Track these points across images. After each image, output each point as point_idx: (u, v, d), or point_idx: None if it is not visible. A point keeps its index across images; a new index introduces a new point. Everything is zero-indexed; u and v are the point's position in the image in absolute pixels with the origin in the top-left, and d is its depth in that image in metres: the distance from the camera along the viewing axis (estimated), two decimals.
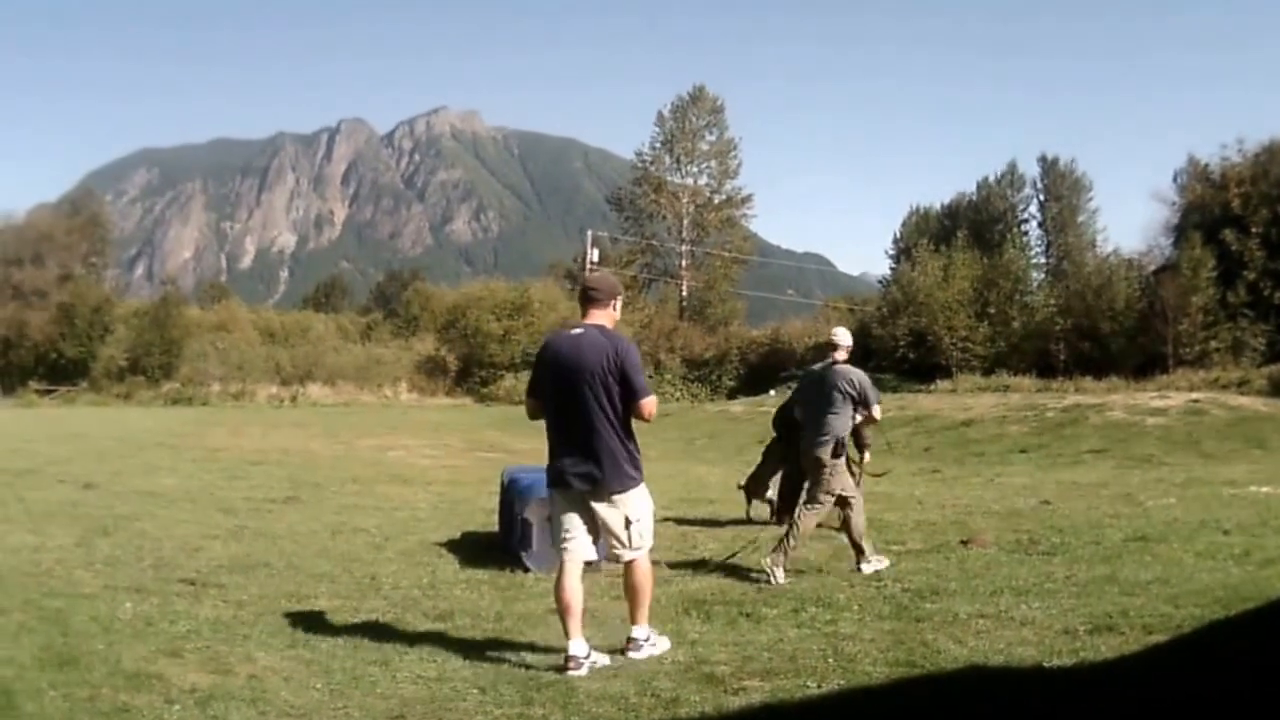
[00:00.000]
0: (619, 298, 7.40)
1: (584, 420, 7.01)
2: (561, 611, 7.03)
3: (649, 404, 7.07)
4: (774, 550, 9.89)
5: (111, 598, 8.64)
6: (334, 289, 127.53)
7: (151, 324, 61.85)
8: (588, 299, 7.37)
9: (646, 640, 7.21)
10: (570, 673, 6.72)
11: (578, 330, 7.23)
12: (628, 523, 7.06)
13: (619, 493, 7.03)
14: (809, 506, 10.17)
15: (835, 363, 10.30)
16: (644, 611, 7.27)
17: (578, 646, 6.88)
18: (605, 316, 7.24)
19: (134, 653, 6.89)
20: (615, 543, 7.18)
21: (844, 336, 10.55)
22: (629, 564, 7.21)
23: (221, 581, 9.52)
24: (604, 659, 7.00)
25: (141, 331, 61.35)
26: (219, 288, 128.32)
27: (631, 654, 7.10)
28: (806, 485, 10.50)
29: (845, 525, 10.28)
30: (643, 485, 7.16)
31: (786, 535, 9.97)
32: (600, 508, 7.08)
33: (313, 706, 5.96)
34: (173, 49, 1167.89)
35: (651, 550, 7.36)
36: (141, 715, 5.69)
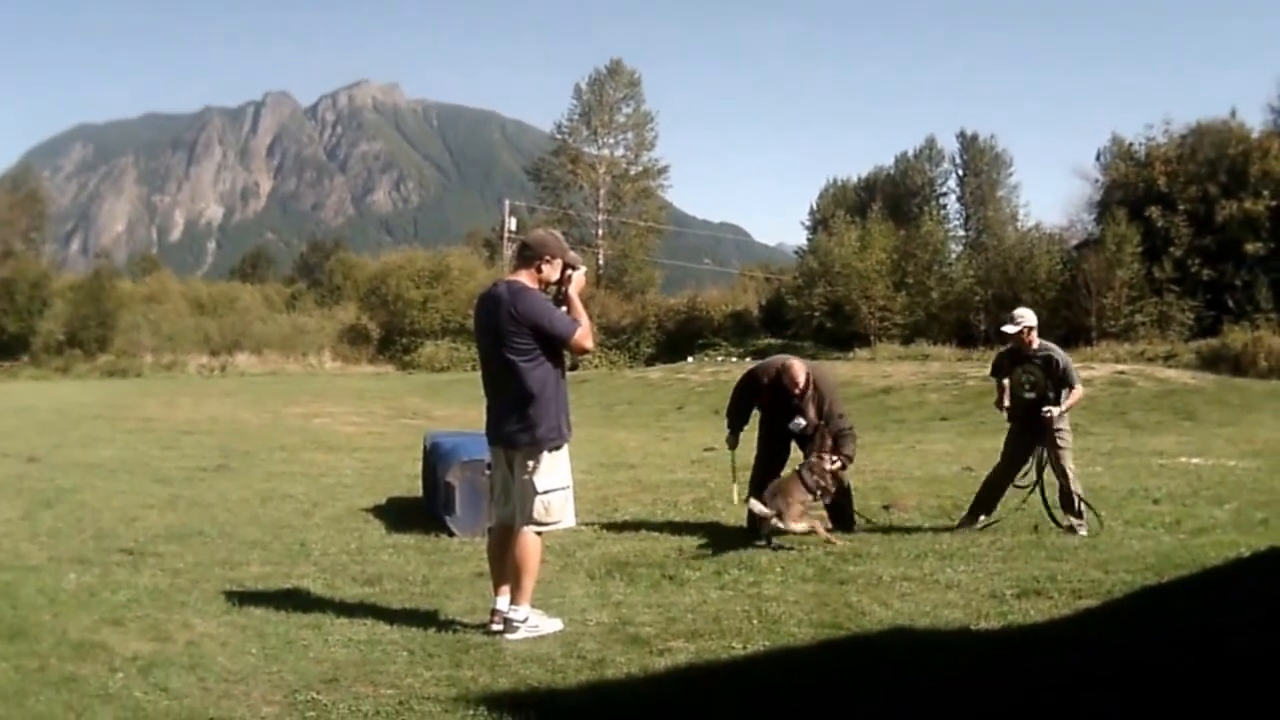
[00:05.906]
0: (548, 256, 6.89)
1: (498, 378, 6.87)
2: (490, 567, 7.16)
3: (580, 338, 6.79)
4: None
5: (56, 569, 8.67)
6: (259, 260, 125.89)
7: (87, 298, 61.39)
8: (516, 256, 7.11)
9: (524, 621, 6.77)
10: (493, 628, 6.80)
11: (490, 289, 7.02)
12: (534, 492, 6.74)
13: (530, 456, 6.74)
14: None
15: None
16: (525, 591, 6.83)
17: (500, 602, 6.88)
18: (526, 274, 6.84)
19: (79, 623, 6.96)
20: (518, 510, 6.89)
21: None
22: (518, 534, 6.84)
23: (159, 550, 9.56)
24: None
25: (78, 305, 60.78)
26: (150, 260, 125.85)
27: (502, 630, 6.77)
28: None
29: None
30: (558, 453, 6.84)
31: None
32: (516, 469, 6.84)
33: (249, 670, 6.04)
34: (107, 25, 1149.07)
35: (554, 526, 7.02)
36: (88, 684, 5.75)
